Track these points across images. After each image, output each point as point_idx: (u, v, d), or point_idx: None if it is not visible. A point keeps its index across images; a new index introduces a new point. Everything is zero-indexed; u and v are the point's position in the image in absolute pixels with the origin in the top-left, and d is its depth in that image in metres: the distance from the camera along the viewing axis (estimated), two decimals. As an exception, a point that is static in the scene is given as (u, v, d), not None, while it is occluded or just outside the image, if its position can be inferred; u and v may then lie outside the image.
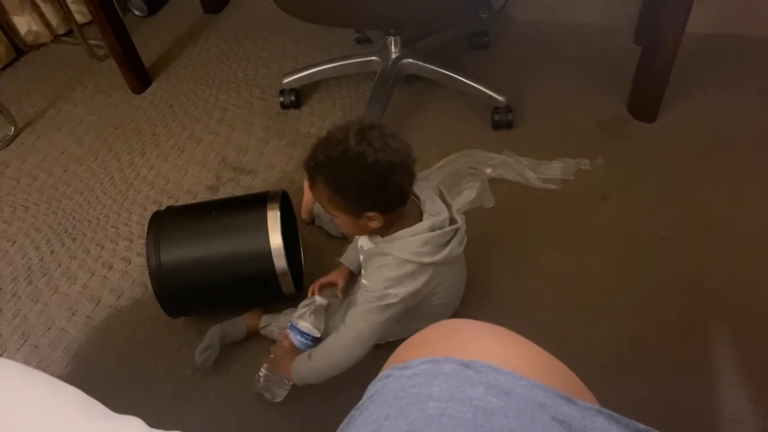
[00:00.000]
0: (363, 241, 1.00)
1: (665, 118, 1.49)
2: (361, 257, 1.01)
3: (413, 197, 0.95)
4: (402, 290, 0.91)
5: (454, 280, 1.03)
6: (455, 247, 0.93)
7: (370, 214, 0.88)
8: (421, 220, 0.93)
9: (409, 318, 1.04)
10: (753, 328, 1.08)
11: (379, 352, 1.07)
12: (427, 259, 0.90)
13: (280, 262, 1.05)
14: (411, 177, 0.89)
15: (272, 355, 1.03)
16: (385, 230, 0.93)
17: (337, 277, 1.13)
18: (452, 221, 0.94)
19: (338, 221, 0.93)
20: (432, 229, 0.91)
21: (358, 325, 0.94)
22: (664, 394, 1.01)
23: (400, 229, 0.92)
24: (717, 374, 1.03)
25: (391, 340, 1.06)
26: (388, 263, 0.91)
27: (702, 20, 1.58)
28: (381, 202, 0.88)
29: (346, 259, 1.15)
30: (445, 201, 0.96)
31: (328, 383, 1.08)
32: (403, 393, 0.42)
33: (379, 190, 0.86)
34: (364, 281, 0.96)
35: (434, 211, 0.93)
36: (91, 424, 0.48)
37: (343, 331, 0.95)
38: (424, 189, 0.96)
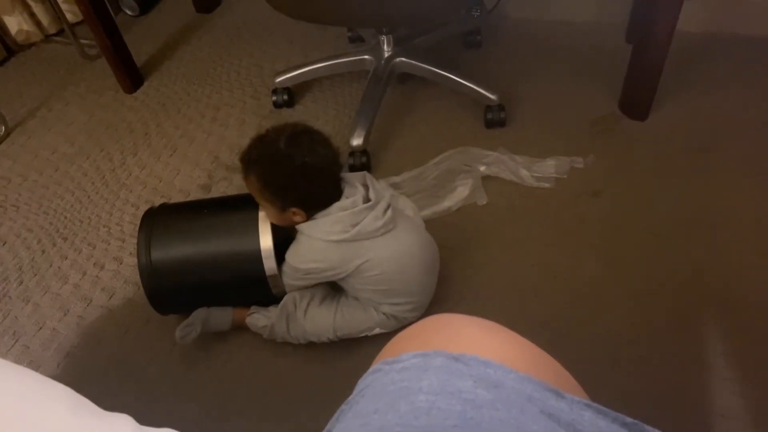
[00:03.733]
0: None
1: (657, 115, 1.49)
2: None
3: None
4: (313, 265, 1.02)
5: (390, 254, 1.02)
6: (369, 222, 0.97)
7: (294, 209, 0.98)
8: None
9: (396, 308, 1.06)
10: (745, 324, 1.09)
11: (369, 348, 1.08)
12: (335, 237, 0.97)
13: (269, 263, 1.05)
14: (335, 182, 1.00)
15: None
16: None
17: None
18: (367, 201, 1.00)
19: (266, 212, 1.03)
20: (342, 209, 0.98)
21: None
22: (657, 389, 1.01)
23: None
24: (709, 370, 1.03)
25: (378, 331, 1.09)
26: (302, 242, 1.02)
27: (693, 18, 1.59)
28: (304, 201, 0.98)
29: None
30: (364, 184, 1.02)
31: (322, 382, 1.08)
32: (392, 387, 0.42)
33: (304, 190, 0.97)
34: (285, 256, 1.06)
35: (348, 194, 1.00)
36: (80, 421, 0.47)
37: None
38: (351, 179, 1.04)
